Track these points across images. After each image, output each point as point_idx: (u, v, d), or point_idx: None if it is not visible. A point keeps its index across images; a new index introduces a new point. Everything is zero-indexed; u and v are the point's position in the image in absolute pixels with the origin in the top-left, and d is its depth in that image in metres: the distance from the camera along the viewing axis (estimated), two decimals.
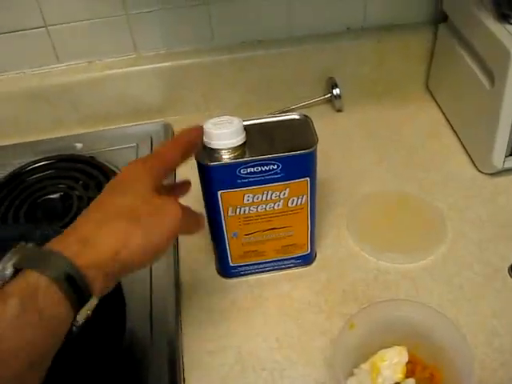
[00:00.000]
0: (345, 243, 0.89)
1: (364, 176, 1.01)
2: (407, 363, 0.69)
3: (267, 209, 0.75)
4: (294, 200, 0.74)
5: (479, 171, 1.01)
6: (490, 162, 0.96)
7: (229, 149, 0.69)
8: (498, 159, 0.95)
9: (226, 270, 0.83)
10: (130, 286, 0.79)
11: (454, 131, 1.09)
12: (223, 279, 0.85)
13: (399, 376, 0.68)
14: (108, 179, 0.96)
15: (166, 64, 1.11)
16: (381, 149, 1.07)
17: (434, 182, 0.99)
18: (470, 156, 1.04)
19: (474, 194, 0.97)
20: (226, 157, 0.69)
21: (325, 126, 1.07)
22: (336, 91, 1.11)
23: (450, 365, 0.67)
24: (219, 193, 0.72)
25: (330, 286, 0.83)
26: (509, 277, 0.84)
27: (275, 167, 0.70)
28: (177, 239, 0.90)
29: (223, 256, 0.81)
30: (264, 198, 0.73)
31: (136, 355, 0.74)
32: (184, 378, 0.74)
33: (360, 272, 0.85)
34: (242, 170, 0.70)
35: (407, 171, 1.02)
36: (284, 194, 0.73)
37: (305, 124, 0.74)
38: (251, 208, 0.74)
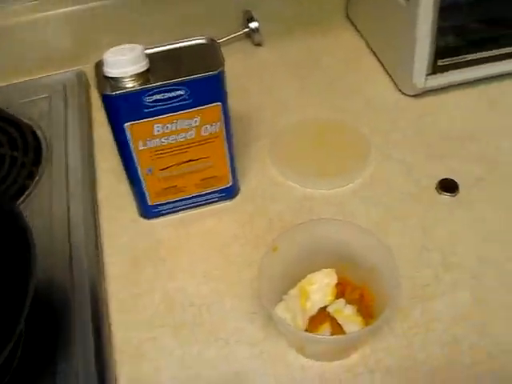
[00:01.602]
0: (269, 174, 0.87)
1: (286, 107, 0.98)
2: (337, 285, 0.67)
3: (179, 139, 0.71)
4: (206, 128, 0.71)
5: (403, 93, 0.99)
6: (411, 83, 0.95)
7: (131, 76, 0.66)
8: (419, 78, 0.94)
9: (146, 210, 0.80)
10: (48, 234, 0.76)
11: (376, 56, 1.07)
12: (146, 221, 0.82)
13: (329, 299, 0.67)
14: (22, 133, 0.92)
15: (74, 8, 1.06)
16: (302, 79, 1.04)
17: (357, 108, 0.97)
18: (392, 79, 1.02)
19: (398, 117, 0.95)
20: (129, 85, 0.66)
21: (244, 61, 1.06)
22: (253, 25, 1.08)
23: (378, 283, 0.66)
24: (126, 125, 0.68)
25: (256, 217, 0.81)
26: (437, 193, 0.83)
27: (182, 93, 0.67)
28: (94, 184, 0.86)
29: (141, 195, 0.77)
30: (175, 128, 0.70)
31: (56, 304, 0.71)
32: (109, 324, 0.71)
33: (286, 201, 0.83)
34: (147, 98, 0.66)
35: (330, 99, 1.00)
36: (196, 121, 0.70)
37: (211, 48, 0.70)
38: (162, 140, 0.71)
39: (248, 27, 1.09)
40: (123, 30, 1.08)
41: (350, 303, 0.66)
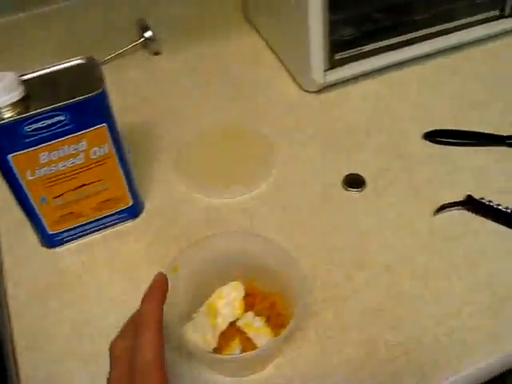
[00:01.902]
0: (174, 188, 0.85)
1: (189, 116, 0.96)
2: (246, 297, 0.66)
3: (69, 165, 0.69)
4: (95, 151, 0.69)
5: (305, 91, 0.98)
6: (311, 79, 0.94)
7: (7, 106, 0.63)
8: (318, 74, 0.93)
9: (47, 239, 0.77)
10: None
11: (277, 55, 1.06)
12: (48, 250, 0.79)
13: (237, 312, 0.65)
14: None
15: None
16: (204, 86, 1.02)
17: (260, 110, 0.96)
18: (293, 77, 1.01)
19: (301, 115, 0.95)
20: (6, 116, 0.63)
21: (143, 72, 1.03)
22: (148, 34, 1.05)
23: (287, 290, 0.65)
24: (10, 157, 0.65)
25: (162, 235, 0.79)
26: (343, 190, 0.82)
27: (63, 118, 0.64)
28: None
29: (39, 225, 0.74)
30: (62, 154, 0.67)
31: None
32: (16, 361, 0.68)
33: (192, 214, 0.81)
34: (27, 128, 0.63)
35: (234, 103, 0.98)
36: (82, 145, 0.68)
37: (91, 68, 0.68)
38: (51, 167, 0.68)
39: (143, 37, 1.06)
40: (13, 49, 1.05)
41: (259, 314, 0.65)
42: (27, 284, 0.75)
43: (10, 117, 0.63)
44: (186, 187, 0.84)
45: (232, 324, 0.65)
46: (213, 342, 0.63)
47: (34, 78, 0.67)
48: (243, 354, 0.62)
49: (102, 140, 0.68)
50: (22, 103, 0.64)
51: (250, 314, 0.65)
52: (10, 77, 0.62)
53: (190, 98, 1.00)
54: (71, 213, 0.74)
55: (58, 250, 0.78)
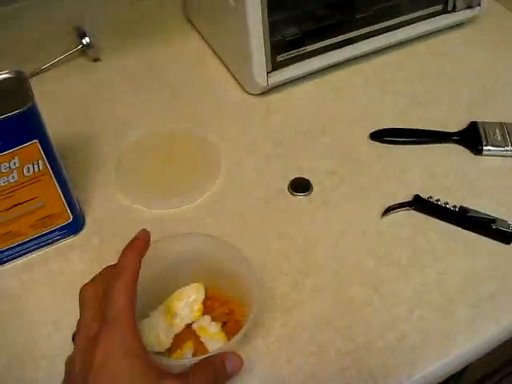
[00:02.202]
0: (116, 200, 0.82)
1: (130, 123, 0.94)
2: (207, 300, 0.65)
3: (2, 184, 0.66)
4: (28, 168, 0.66)
5: (249, 93, 0.97)
6: (254, 82, 0.92)
7: None
8: (261, 77, 0.91)
9: None
10: None
11: (219, 58, 1.04)
12: None
13: (195, 315, 0.64)
14: None
15: None
16: (145, 91, 1.00)
17: (204, 114, 0.94)
18: (237, 80, 0.99)
19: (245, 119, 0.93)
20: None
21: (82, 80, 1.00)
22: (86, 40, 1.02)
23: (244, 296, 0.64)
24: None
25: (104, 249, 0.76)
26: (290, 195, 0.81)
27: None
28: None
29: None
30: None
31: None
32: None
33: (134, 226, 0.77)
34: None
35: (176, 108, 0.96)
36: (14, 163, 0.65)
37: (19, 82, 0.65)
38: None
39: (81, 43, 1.03)
40: None
41: (217, 319, 0.64)
42: None
43: None
44: (128, 198, 0.81)
45: (188, 326, 0.64)
46: (166, 343, 0.62)
47: None
48: (186, 359, 0.61)
49: (34, 156, 0.66)
50: None
51: (207, 317, 0.64)
52: None
53: (130, 106, 0.97)
54: (8, 232, 0.71)
55: None
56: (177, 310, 0.64)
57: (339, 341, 0.66)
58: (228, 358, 0.56)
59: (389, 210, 0.77)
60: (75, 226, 0.77)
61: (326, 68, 0.98)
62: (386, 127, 0.89)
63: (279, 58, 0.92)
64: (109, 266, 0.58)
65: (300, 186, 0.81)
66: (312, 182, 0.82)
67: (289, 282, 0.71)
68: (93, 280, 0.57)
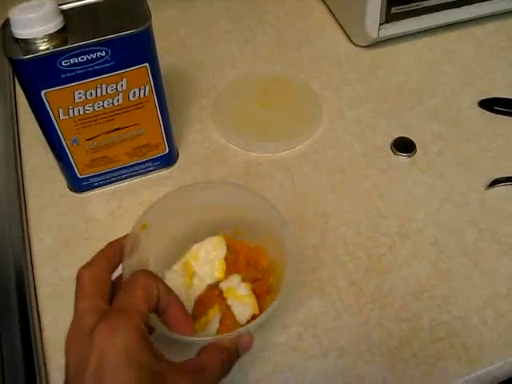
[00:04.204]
0: (211, 137, 0.80)
1: (229, 63, 0.91)
2: (228, 256, 0.58)
3: (106, 106, 0.64)
4: (135, 92, 0.64)
5: (355, 45, 0.93)
6: (364, 33, 0.88)
7: (44, 38, 0.57)
8: (373, 28, 0.87)
9: (76, 183, 0.73)
10: None
11: (327, 6, 1.00)
12: (76, 195, 0.74)
13: (218, 273, 0.57)
14: None
15: None
16: (247, 32, 0.97)
17: (306, 61, 0.90)
18: (343, 29, 0.95)
19: (350, 70, 0.89)
20: (42, 48, 0.57)
21: (183, 14, 0.97)
22: None
23: (274, 252, 0.57)
24: (43, 93, 0.60)
25: None
26: (392, 154, 0.77)
27: (104, 54, 0.59)
28: (20, 158, 0.78)
29: (68, 168, 0.70)
30: (99, 94, 0.62)
31: None
32: (39, 312, 0.63)
33: (229, 166, 0.76)
34: (64, 62, 0.58)
35: (277, 52, 0.92)
36: (121, 86, 0.63)
37: (135, 2, 0.62)
38: (86, 107, 0.63)
39: None
40: None
41: (246, 280, 0.57)
42: (52, 229, 0.71)
43: (46, 49, 0.58)
44: (223, 138, 0.79)
45: (211, 288, 0.57)
46: (188, 308, 0.53)
47: (72, 9, 0.61)
48: (213, 337, 0.52)
49: (142, 81, 0.63)
50: (60, 35, 0.59)
51: (236, 277, 0.57)
52: (50, 5, 0.57)
53: (230, 43, 0.94)
54: (103, 157, 0.69)
55: (86, 195, 0.74)
56: (196, 269, 0.57)
57: (434, 311, 0.62)
58: (241, 343, 0.49)
59: (495, 183, 0.73)
60: (169, 159, 0.75)
61: (439, 27, 0.93)
62: (497, 96, 0.84)
63: (394, 11, 0.87)
64: (111, 243, 0.52)
65: (404, 145, 0.77)
66: (416, 143, 0.77)
67: (386, 242, 0.68)
68: (90, 263, 0.49)
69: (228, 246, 0.58)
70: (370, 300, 0.63)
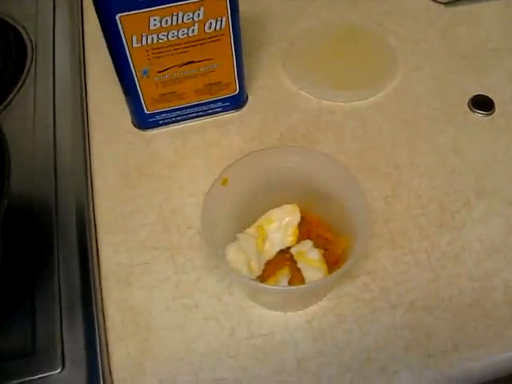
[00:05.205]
0: (282, 83, 0.77)
1: (303, 8, 0.87)
2: (300, 224, 0.58)
3: (180, 36, 0.62)
4: (211, 23, 0.61)
5: (434, 1, 0.88)
6: None
7: None
8: None
9: (141, 119, 0.71)
10: (31, 143, 0.68)
11: None
12: (140, 131, 0.73)
13: (290, 239, 0.57)
14: (5, 34, 0.81)
15: None
16: None
17: (382, 12, 0.87)
18: None
19: (429, 26, 0.85)
20: None
21: None
22: None
23: (348, 222, 0.55)
24: (118, 17, 0.58)
25: (265, 131, 0.72)
26: (469, 111, 0.73)
27: None
28: (86, 91, 0.77)
29: (135, 102, 0.68)
30: (174, 22, 0.60)
31: (41, 222, 0.63)
32: (97, 246, 0.62)
33: (300, 113, 0.73)
34: None
35: (353, 2, 0.89)
36: (198, 15, 0.60)
37: None
38: (160, 36, 0.61)
39: None
40: None
41: (316, 246, 0.57)
42: (115, 165, 0.70)
43: None
44: (296, 84, 0.76)
45: (281, 252, 0.58)
46: (257, 270, 0.55)
47: None
48: (281, 287, 0.55)
49: (220, 11, 0.61)
50: None
51: (308, 242, 0.57)
52: None
53: None
54: (173, 92, 0.67)
55: (151, 132, 0.72)
56: (268, 234, 0.57)
57: (508, 271, 0.60)
58: None
59: None
60: (239, 101, 0.73)
61: None
62: None
63: None
64: None
65: (482, 103, 0.74)
66: (495, 101, 0.74)
67: (460, 198, 0.65)
68: None
69: (303, 215, 0.58)
70: (442, 256, 0.60)
